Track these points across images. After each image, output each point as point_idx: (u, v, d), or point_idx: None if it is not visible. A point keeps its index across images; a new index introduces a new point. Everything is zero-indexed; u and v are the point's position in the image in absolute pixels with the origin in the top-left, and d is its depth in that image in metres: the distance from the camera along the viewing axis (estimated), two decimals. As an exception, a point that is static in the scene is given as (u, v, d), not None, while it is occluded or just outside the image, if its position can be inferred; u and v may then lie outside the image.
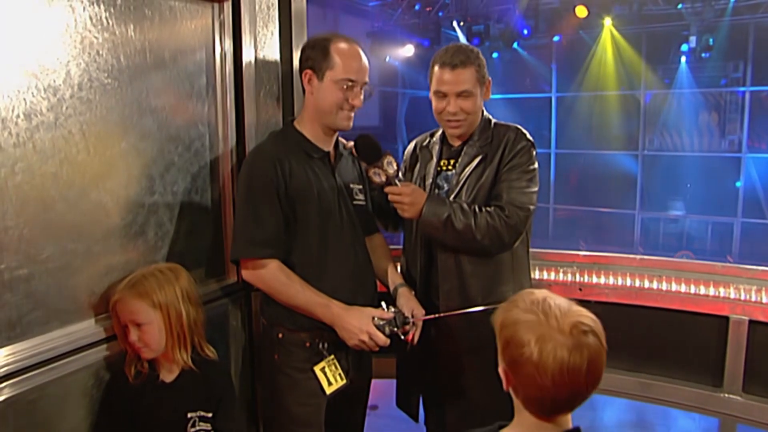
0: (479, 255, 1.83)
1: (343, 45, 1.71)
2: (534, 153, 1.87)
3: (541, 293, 1.07)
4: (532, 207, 1.82)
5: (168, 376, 1.60)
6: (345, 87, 1.70)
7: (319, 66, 1.70)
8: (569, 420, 1.06)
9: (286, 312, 1.71)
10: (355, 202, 1.82)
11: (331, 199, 1.74)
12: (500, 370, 1.07)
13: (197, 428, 1.59)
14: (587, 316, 1.02)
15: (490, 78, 1.91)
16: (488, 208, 1.79)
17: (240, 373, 2.02)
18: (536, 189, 1.85)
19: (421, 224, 1.80)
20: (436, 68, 1.86)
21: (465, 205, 1.79)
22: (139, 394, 1.56)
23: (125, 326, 1.53)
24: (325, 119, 1.74)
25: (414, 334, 1.74)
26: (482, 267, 1.84)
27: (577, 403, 1.03)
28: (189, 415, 1.59)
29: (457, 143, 1.94)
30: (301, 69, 1.74)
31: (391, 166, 1.74)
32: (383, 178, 1.74)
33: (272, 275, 1.67)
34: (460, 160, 1.90)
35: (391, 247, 2.06)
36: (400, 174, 1.76)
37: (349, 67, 1.70)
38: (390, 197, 1.77)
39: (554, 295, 1.06)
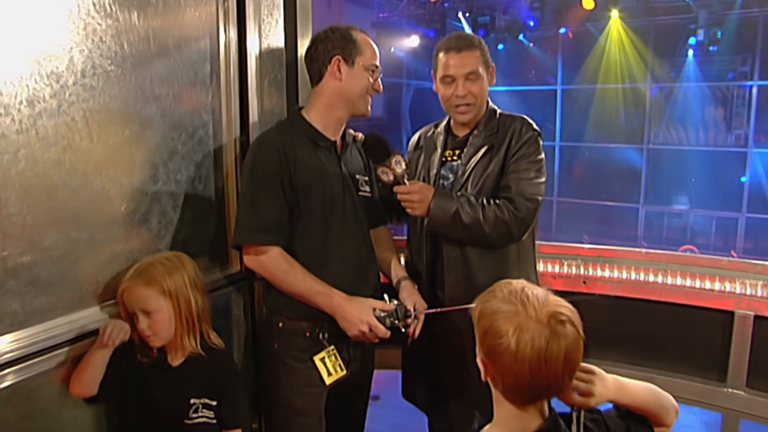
0: (486, 247, 1.82)
1: (362, 33, 1.75)
2: (541, 142, 1.85)
3: (519, 283, 1.07)
4: (540, 198, 1.81)
5: (175, 361, 1.60)
6: (371, 73, 1.73)
7: (349, 52, 1.71)
8: (546, 407, 1.06)
9: (286, 301, 1.70)
10: (360, 193, 1.81)
11: (335, 189, 1.73)
12: (478, 360, 1.08)
13: (199, 414, 1.59)
14: (565, 306, 1.03)
15: (493, 64, 1.91)
16: (497, 201, 1.78)
17: (242, 362, 2.02)
18: (544, 179, 1.84)
19: (430, 220, 1.79)
20: (441, 55, 1.86)
21: (472, 198, 1.77)
22: (143, 379, 1.55)
23: (133, 316, 1.52)
24: (352, 106, 1.75)
25: (415, 328, 1.72)
26: (488, 258, 1.83)
27: (554, 391, 1.03)
28: (192, 401, 1.58)
29: (462, 133, 1.93)
30: (326, 56, 1.71)
31: (399, 165, 1.74)
32: (391, 177, 1.75)
33: (274, 262, 1.66)
34: (465, 150, 1.88)
35: (396, 238, 2.05)
36: (407, 173, 1.76)
37: (374, 53, 1.75)
38: (399, 196, 1.76)
39: (532, 285, 1.07)
